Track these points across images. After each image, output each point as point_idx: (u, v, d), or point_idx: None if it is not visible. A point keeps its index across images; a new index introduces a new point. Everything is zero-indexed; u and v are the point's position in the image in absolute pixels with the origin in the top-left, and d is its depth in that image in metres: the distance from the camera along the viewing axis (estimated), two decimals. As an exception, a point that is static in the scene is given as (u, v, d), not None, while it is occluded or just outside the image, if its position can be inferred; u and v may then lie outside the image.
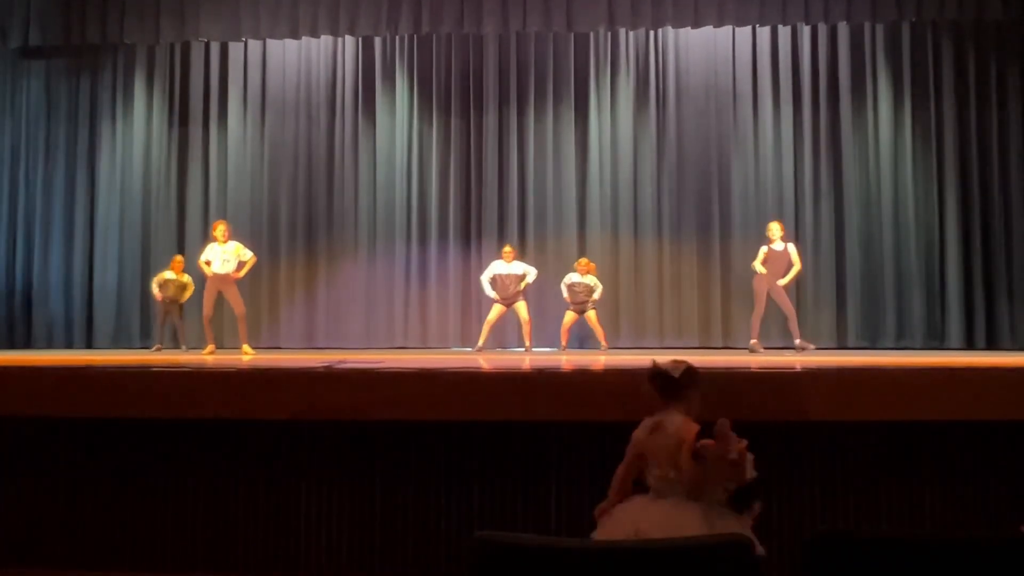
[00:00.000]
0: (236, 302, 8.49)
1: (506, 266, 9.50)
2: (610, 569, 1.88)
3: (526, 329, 9.43)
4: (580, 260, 9.64)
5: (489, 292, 9.49)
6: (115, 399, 4.28)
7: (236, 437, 4.30)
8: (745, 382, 4.13)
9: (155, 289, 9.66)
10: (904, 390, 4.10)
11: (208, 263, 8.49)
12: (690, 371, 3.09)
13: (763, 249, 8.87)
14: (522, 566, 1.91)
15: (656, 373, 3.09)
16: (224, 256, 8.43)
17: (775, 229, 8.92)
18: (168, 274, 9.66)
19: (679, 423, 2.96)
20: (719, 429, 2.81)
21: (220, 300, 8.63)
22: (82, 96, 10.94)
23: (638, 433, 3.07)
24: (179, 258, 9.80)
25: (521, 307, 9.44)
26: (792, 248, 8.86)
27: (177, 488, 4.31)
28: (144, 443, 4.34)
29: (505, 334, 10.13)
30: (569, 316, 9.48)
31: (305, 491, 4.26)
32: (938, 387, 4.10)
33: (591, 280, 9.50)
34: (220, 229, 8.53)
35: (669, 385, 3.06)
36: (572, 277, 9.54)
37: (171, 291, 9.57)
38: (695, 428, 2.96)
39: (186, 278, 9.65)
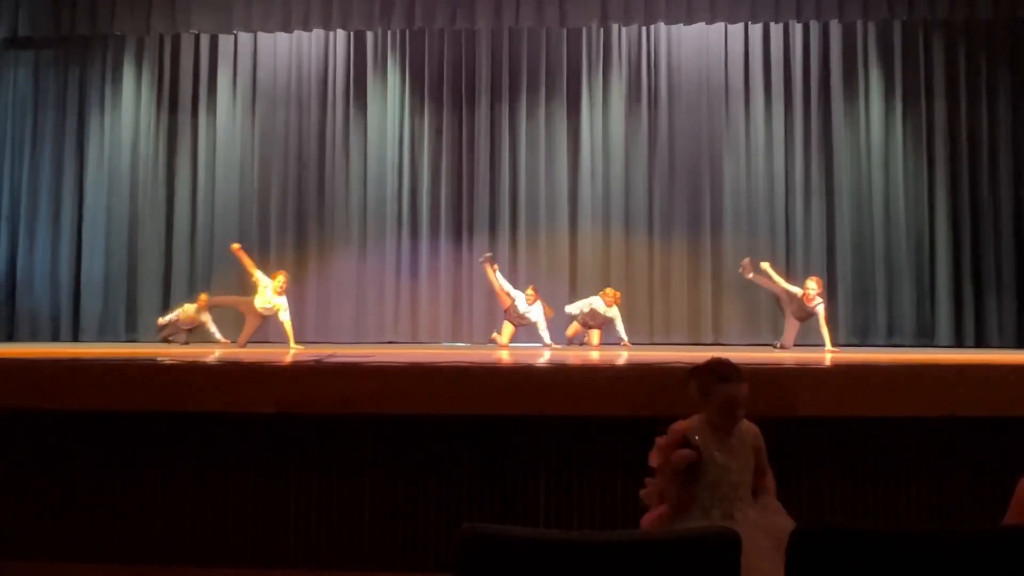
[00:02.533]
0: (247, 335, 8.63)
1: (526, 306, 9.21)
2: (595, 561, 1.88)
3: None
4: (606, 290, 9.25)
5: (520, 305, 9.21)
6: (104, 392, 4.26)
7: (225, 430, 4.28)
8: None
9: (179, 315, 9.41)
10: (892, 386, 4.12)
11: (259, 290, 8.48)
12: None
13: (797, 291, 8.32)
14: (508, 558, 1.92)
15: None
16: (269, 304, 8.46)
17: (812, 287, 8.24)
18: (189, 307, 9.41)
19: None
20: None
21: (233, 320, 8.75)
22: (71, 86, 10.84)
23: None
24: (204, 297, 9.52)
25: (507, 330, 9.24)
26: (821, 310, 8.22)
27: (165, 480, 4.29)
28: (132, 435, 4.33)
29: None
30: (573, 326, 9.28)
31: (294, 484, 4.25)
32: (926, 384, 4.14)
33: (614, 312, 9.16)
34: (279, 280, 8.49)
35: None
36: (596, 303, 9.22)
37: (185, 321, 9.38)
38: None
39: (205, 316, 9.41)
